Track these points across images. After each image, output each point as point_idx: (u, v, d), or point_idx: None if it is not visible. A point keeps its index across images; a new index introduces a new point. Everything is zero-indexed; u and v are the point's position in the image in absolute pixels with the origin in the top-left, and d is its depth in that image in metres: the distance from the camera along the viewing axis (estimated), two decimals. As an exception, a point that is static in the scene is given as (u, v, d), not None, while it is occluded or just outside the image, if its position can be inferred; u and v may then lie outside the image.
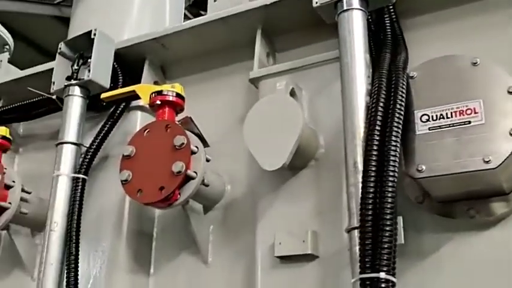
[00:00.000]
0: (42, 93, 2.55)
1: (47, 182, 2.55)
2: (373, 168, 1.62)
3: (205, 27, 2.37)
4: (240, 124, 2.25)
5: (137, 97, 2.28)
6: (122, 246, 2.31)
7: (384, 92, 1.71)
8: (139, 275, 2.31)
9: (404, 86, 1.72)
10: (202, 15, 2.53)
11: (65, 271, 2.19)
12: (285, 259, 1.95)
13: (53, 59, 2.51)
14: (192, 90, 2.32)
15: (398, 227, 1.60)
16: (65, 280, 2.18)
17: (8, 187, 2.43)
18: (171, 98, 2.16)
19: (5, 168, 2.46)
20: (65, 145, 2.34)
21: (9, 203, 2.41)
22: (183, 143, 2.03)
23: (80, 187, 2.28)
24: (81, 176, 2.30)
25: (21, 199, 2.46)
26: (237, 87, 2.41)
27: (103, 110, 2.52)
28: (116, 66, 2.47)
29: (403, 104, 1.69)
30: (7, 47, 3.63)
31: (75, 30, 2.83)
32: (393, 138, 1.63)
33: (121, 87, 2.42)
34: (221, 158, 2.23)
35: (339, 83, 1.98)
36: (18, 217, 2.46)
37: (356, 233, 1.64)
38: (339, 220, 1.89)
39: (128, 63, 2.53)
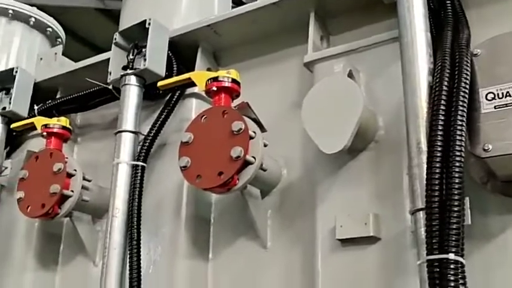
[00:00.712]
0: (99, 83, 2.60)
1: (105, 170, 2.63)
2: (439, 149, 1.59)
3: (257, 12, 2.37)
4: (294, 109, 2.27)
5: (193, 84, 2.30)
6: (180, 231, 2.34)
7: (447, 71, 1.68)
8: (198, 260, 2.35)
9: (468, 64, 1.68)
10: (244, 3, 2.53)
11: (128, 256, 2.25)
12: (346, 242, 1.94)
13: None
14: (245, 76, 2.33)
15: (465, 208, 1.58)
16: (128, 264, 2.24)
17: (70, 175, 2.50)
18: (227, 84, 2.17)
19: (67, 158, 2.53)
20: (123, 134, 2.39)
21: (72, 190, 2.49)
22: (241, 128, 2.04)
23: (139, 174, 2.33)
24: (140, 163, 2.35)
25: (83, 187, 2.53)
26: (290, 72, 2.40)
27: (157, 98, 2.56)
28: (170, 54, 2.50)
29: (467, 82, 1.66)
30: (59, 39, 3.71)
31: (126, 21, 2.87)
32: (459, 117, 1.61)
33: (175, 75, 2.45)
34: (276, 143, 2.23)
35: (396, 64, 1.96)
36: (80, 204, 2.53)
37: (421, 214, 1.62)
38: (401, 202, 1.88)
39: (181, 51, 2.56)
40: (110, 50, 2.56)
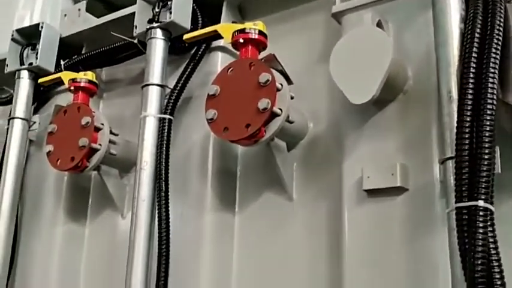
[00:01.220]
0: (125, 37, 2.60)
1: (131, 125, 2.66)
2: (470, 97, 1.58)
3: (284, -37, 2.34)
4: (321, 62, 2.25)
5: (219, 37, 2.29)
6: (207, 185, 2.37)
7: (480, 18, 1.65)
8: (224, 213, 2.38)
9: (502, 11, 1.65)
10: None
11: (156, 208, 2.29)
12: (373, 193, 1.95)
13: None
14: (271, 29, 2.30)
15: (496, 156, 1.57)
16: (156, 216, 2.29)
17: (97, 129, 2.53)
18: (253, 36, 2.16)
19: (94, 112, 2.56)
20: (150, 87, 2.40)
21: (100, 144, 2.53)
22: (268, 80, 2.04)
23: (166, 127, 2.35)
24: (167, 116, 2.37)
25: (110, 141, 2.57)
26: (316, 24, 2.37)
27: (183, 52, 2.56)
28: (195, 7, 2.49)
29: (501, 29, 1.63)
30: (82, -4, 3.70)
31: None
32: (491, 65, 1.58)
33: (200, 28, 2.44)
34: (303, 96, 2.23)
35: (425, 13, 1.93)
36: (107, 158, 2.57)
37: (451, 163, 1.62)
38: (429, 153, 1.87)
39: (206, 5, 2.54)
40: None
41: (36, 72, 2.90)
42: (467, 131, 1.56)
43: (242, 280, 2.30)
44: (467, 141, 1.55)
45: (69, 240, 2.80)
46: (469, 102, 1.58)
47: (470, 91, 1.58)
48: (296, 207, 2.25)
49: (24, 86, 2.91)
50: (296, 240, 2.21)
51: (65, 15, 3.17)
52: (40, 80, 2.84)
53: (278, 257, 2.23)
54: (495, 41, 1.60)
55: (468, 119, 1.56)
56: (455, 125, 1.59)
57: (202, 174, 2.39)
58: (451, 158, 1.61)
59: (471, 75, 1.59)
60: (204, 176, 2.39)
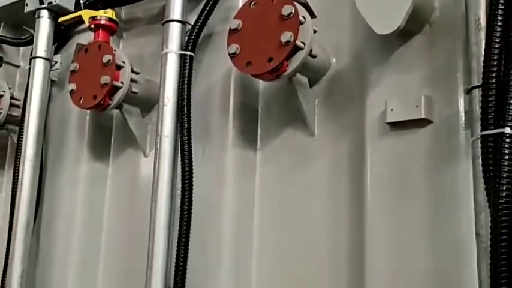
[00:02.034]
0: (144, -27, 2.58)
1: (150, 64, 2.67)
2: (499, 23, 1.55)
3: None
4: (343, -6, 2.21)
5: (242, -29, 2.25)
6: (229, 121, 2.39)
7: None
8: (246, 150, 2.40)
9: None
10: None
11: (179, 144, 2.32)
12: (396, 126, 1.95)
13: None
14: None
15: (523, 84, 1.55)
16: (179, 152, 2.32)
17: (119, 67, 2.54)
18: (277, -32, 2.12)
19: (115, 50, 2.56)
20: (171, 23, 2.39)
21: (121, 82, 2.54)
22: (291, 13, 2.02)
23: (188, 63, 2.35)
24: (188, 53, 2.36)
25: (131, 79, 2.58)
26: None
27: (203, -10, 2.53)
28: None
29: (533, -47, 1.58)
30: None
31: None
32: (521, -10, 1.54)
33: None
34: (325, 31, 2.20)
35: None
36: (129, 96, 2.59)
37: (477, 92, 1.61)
38: (454, 84, 1.85)
39: None
40: None
41: (55, 11, 2.89)
42: (495, 58, 1.54)
43: (263, 216, 2.34)
44: (495, 69, 1.54)
45: (92, 179, 2.86)
46: (498, 29, 1.55)
47: (500, 17, 1.55)
48: (318, 143, 2.25)
49: (44, 25, 2.91)
50: (318, 176, 2.22)
51: (83, -47, 3.13)
52: (60, 19, 2.84)
53: (299, 192, 2.26)
54: (526, -35, 1.56)
55: (497, 45, 1.54)
56: (483, 52, 1.57)
57: (224, 111, 2.41)
58: (477, 86, 1.60)
59: (501, 1, 1.56)
60: (225, 113, 2.40)
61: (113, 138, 2.89)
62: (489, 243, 1.46)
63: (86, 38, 2.84)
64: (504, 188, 1.44)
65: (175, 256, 2.25)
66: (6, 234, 2.89)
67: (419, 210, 1.84)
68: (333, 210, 2.14)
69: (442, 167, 1.84)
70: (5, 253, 2.86)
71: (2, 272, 2.85)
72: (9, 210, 2.93)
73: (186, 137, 2.30)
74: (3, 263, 2.85)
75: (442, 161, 1.84)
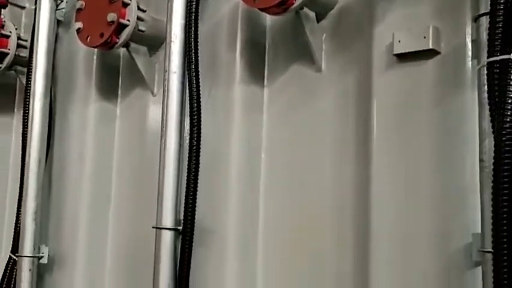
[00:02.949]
0: None
1: (157, 2, 2.66)
2: None
3: None
4: None
5: None
6: (236, 57, 2.39)
7: None
8: (253, 86, 2.41)
9: None
10: None
11: (187, 80, 2.34)
12: (404, 57, 1.95)
13: None
14: None
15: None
16: (187, 88, 2.34)
17: (125, 4, 2.53)
18: None
19: (121, -14, 2.55)
20: (176, -41, 2.36)
21: (128, 20, 2.53)
22: None
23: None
24: (201, -12, 2.35)
25: (138, 17, 2.57)
26: None
27: None
28: None
29: None
30: None
31: None
32: None
33: None
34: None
35: None
36: (136, 35, 2.59)
37: (484, 19, 1.61)
38: (461, 14, 1.85)
39: None
40: None
41: (60, -51, 2.87)
42: (503, -16, 1.53)
43: (271, 151, 2.37)
44: (504, -6, 1.53)
45: (101, 119, 2.90)
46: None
47: None
48: (325, 78, 2.26)
49: (48, -36, 2.89)
50: (324, 111, 2.24)
51: None
52: (64, -43, 2.81)
53: (306, 127, 2.28)
54: None
55: (506, -29, 1.53)
56: (493, -21, 1.55)
57: (231, 47, 2.41)
58: (485, 14, 1.60)
59: None
60: (232, 49, 2.40)
61: (120, 78, 2.91)
62: (492, 167, 1.49)
63: (91, -24, 2.82)
64: (509, 113, 1.46)
65: (184, 191, 2.31)
66: (19, 173, 2.96)
67: (426, 139, 1.87)
68: (339, 146, 2.17)
69: (448, 97, 1.86)
70: (18, 191, 2.93)
71: (16, 209, 2.93)
72: (20, 150, 2.99)
73: (194, 73, 2.31)
74: (17, 200, 2.93)
75: (448, 92, 1.86)
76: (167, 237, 2.28)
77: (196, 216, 2.29)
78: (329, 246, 2.11)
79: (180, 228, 2.29)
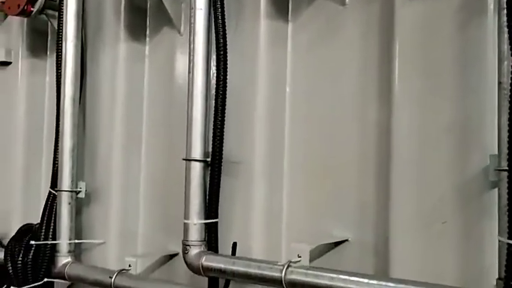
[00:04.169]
0: None
1: None
2: None
3: None
4: None
5: None
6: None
7: None
8: (278, 21, 2.45)
9: None
10: None
11: (213, 17, 2.39)
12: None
13: None
14: None
15: None
16: (213, 25, 2.39)
17: None
18: None
19: None
20: None
21: (154, -42, 2.58)
22: None
23: None
24: None
25: (164, -45, 2.60)
26: None
27: None
28: None
29: None
30: None
31: None
32: None
33: None
34: None
35: None
36: (162, -27, 2.63)
37: None
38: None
39: None
40: None
41: None
42: None
43: (295, 85, 2.43)
44: None
45: (131, 58, 2.99)
46: None
47: None
48: (349, 12, 2.28)
49: None
50: (348, 44, 2.27)
51: None
52: None
53: (330, 61, 2.32)
54: None
55: None
56: None
57: (255, -20, 2.44)
58: None
59: None
60: (256, -17, 2.43)
61: (148, 18, 2.98)
62: (509, 88, 1.53)
63: None
64: (526, 36, 1.49)
65: (212, 124, 2.41)
66: (55, 114, 3.09)
67: (447, 63, 1.91)
68: (363, 78, 2.21)
69: (470, 21, 1.87)
70: (55, 130, 3.07)
71: (54, 148, 3.08)
72: (55, 92, 3.10)
73: (220, 9, 2.36)
74: (55, 139, 3.07)
75: (470, 16, 1.87)
76: (197, 168, 2.40)
77: (223, 148, 2.39)
78: (352, 176, 2.19)
79: (209, 159, 2.40)
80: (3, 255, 3.08)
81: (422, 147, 1.94)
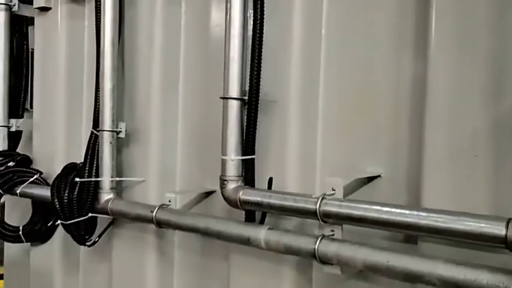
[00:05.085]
0: None
1: None
2: None
3: None
4: None
5: None
6: None
7: None
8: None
9: None
10: None
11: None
12: None
13: None
14: None
15: None
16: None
17: None
18: None
19: None
20: None
21: None
22: None
23: None
24: None
25: None
26: None
27: None
28: None
29: None
30: None
31: None
32: None
33: None
34: None
35: None
36: None
37: None
38: None
39: None
40: None
41: None
42: None
43: (331, 28, 2.41)
44: None
45: (168, 4, 3.04)
46: None
47: None
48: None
49: None
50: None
51: None
52: None
53: (367, 4, 2.31)
54: None
55: None
56: None
57: None
58: None
59: None
60: None
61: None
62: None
63: None
64: None
65: (249, 64, 2.47)
66: (95, 57, 3.19)
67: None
68: (398, 19, 2.21)
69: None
70: (95, 73, 3.18)
71: (95, 89, 3.19)
72: (95, 36, 3.19)
73: None
74: (95, 81, 3.18)
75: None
76: (234, 106, 2.47)
77: (260, 88, 2.46)
78: (386, 113, 2.23)
79: (246, 98, 2.47)
80: (49, 192, 3.26)
81: (457, 79, 1.97)
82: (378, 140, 2.26)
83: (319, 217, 2.15)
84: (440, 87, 2.01)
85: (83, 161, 3.20)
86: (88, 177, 3.12)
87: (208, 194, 2.86)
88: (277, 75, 2.52)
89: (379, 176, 2.26)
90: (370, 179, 2.27)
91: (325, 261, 2.14)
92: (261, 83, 2.46)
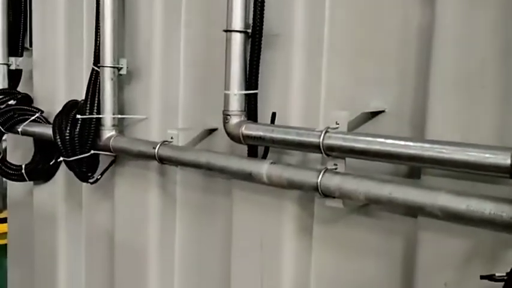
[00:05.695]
0: None
1: None
2: None
3: None
4: None
5: None
6: None
7: None
8: None
9: None
10: None
11: None
12: None
13: None
14: None
15: None
16: None
17: None
18: None
19: None
20: None
21: None
22: None
23: None
24: None
25: None
26: None
27: None
28: None
29: None
30: None
31: None
32: None
33: None
34: None
35: None
36: None
37: None
38: None
39: None
40: None
41: None
42: None
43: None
44: None
45: None
46: None
47: None
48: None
49: None
50: None
51: None
52: None
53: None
54: None
55: None
56: None
57: None
58: None
59: None
60: None
61: None
62: None
63: None
64: None
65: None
66: None
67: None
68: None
69: None
70: (95, 8, 3.11)
71: (95, 25, 3.13)
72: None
73: None
74: (95, 17, 3.12)
75: None
76: (237, 39, 2.42)
77: (264, 21, 2.40)
78: (391, 46, 2.17)
79: (249, 31, 2.42)
80: (51, 130, 3.25)
81: (465, 10, 1.91)
82: (383, 75, 2.21)
83: (322, 150, 2.13)
84: (449, 17, 1.96)
85: (84, 98, 3.17)
86: (89, 114, 3.10)
87: (211, 131, 2.85)
88: (281, 8, 2.46)
89: (383, 111, 2.23)
90: (374, 114, 2.24)
91: (327, 194, 2.13)
92: (264, 15, 2.40)
